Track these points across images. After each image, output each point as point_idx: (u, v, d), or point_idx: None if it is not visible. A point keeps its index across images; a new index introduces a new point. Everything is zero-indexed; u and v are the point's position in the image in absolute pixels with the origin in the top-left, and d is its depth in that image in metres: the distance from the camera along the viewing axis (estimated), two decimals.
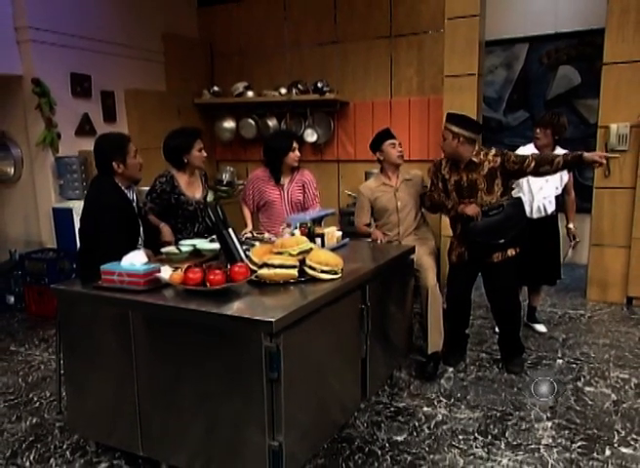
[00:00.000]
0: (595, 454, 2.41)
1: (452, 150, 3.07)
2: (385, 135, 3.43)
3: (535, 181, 3.55)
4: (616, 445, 2.48)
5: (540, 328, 3.86)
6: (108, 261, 2.26)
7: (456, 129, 3.03)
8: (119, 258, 2.25)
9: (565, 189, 3.73)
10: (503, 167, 3.02)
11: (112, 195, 2.68)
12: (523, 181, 3.57)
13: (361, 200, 3.54)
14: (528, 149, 3.58)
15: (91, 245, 2.63)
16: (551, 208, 3.65)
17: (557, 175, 3.62)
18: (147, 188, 3.17)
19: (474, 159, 3.06)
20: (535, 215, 3.61)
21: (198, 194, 3.20)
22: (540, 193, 3.60)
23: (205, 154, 3.18)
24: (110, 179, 2.70)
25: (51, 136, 4.28)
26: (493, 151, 3.09)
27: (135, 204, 2.81)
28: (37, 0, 4.20)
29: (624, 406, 2.82)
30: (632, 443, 2.49)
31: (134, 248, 2.59)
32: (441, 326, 3.19)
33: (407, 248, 3.05)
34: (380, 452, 2.45)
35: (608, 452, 2.42)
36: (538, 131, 3.62)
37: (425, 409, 2.83)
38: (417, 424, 2.68)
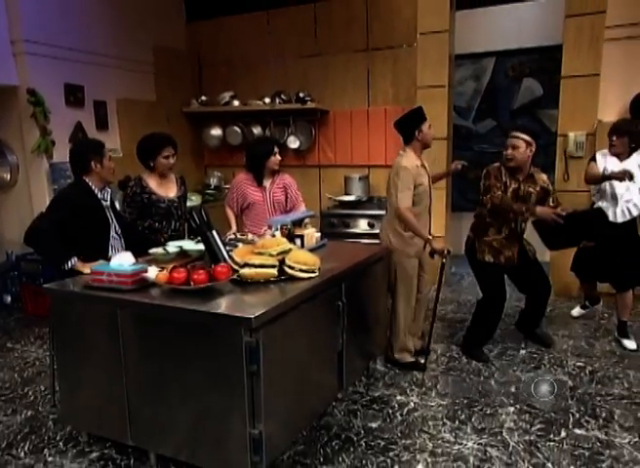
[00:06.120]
0: (552, 436, 2.47)
1: (524, 160, 3.01)
2: (423, 115, 3.00)
3: (618, 186, 3.33)
4: (570, 426, 2.55)
5: (630, 344, 3.44)
6: (56, 241, 2.56)
7: (529, 138, 2.99)
8: (78, 248, 2.57)
9: None
10: (545, 194, 3.14)
11: (78, 189, 2.75)
12: (606, 186, 3.39)
13: (407, 178, 2.84)
14: (608, 159, 3.41)
15: (38, 226, 2.66)
16: (636, 211, 3.38)
17: None
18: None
19: (533, 173, 3.10)
20: (619, 219, 3.40)
21: (172, 194, 3.16)
22: (624, 197, 3.37)
23: (172, 162, 3.07)
24: (83, 182, 2.76)
25: (45, 143, 4.23)
26: (544, 175, 3.18)
27: (109, 203, 2.85)
28: (32, 14, 4.16)
29: (579, 391, 2.90)
30: (585, 424, 2.56)
31: (103, 246, 2.74)
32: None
33: (383, 248, 3.05)
34: (355, 438, 2.49)
35: (563, 434, 2.49)
36: (614, 138, 3.33)
37: (399, 397, 2.87)
38: (390, 412, 2.72)
